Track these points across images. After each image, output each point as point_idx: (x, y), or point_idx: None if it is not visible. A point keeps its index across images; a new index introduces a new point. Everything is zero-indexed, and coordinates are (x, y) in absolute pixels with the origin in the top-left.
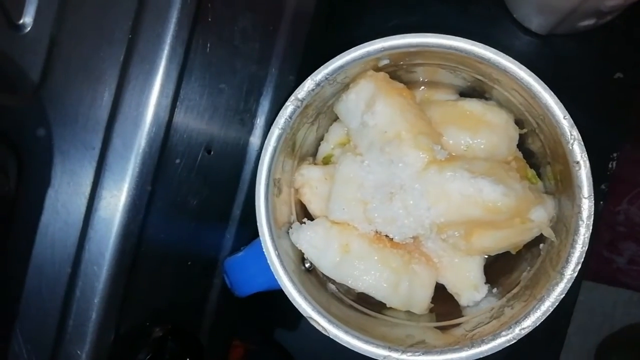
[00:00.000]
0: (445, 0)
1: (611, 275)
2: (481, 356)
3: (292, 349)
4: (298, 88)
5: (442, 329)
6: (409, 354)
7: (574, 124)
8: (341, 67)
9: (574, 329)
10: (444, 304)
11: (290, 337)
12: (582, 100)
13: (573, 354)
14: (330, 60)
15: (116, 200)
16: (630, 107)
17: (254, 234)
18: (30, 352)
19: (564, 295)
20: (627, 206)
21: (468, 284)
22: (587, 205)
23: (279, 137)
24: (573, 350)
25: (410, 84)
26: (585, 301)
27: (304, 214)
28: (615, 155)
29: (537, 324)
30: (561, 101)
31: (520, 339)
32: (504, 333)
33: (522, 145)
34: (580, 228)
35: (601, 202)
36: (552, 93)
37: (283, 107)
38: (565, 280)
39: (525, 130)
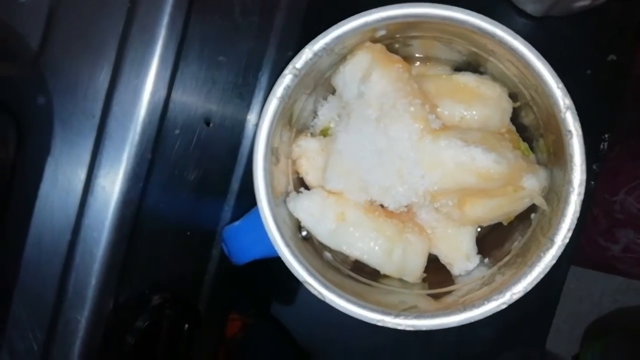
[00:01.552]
0: None
1: (606, 263)
2: (472, 320)
3: (287, 322)
4: (295, 57)
5: (435, 296)
6: (401, 317)
7: (567, 93)
8: (339, 36)
9: (562, 316)
10: (436, 274)
11: (286, 311)
12: (575, 81)
13: (560, 340)
14: (328, 30)
15: (116, 168)
16: (623, 89)
17: (252, 206)
18: (31, 317)
19: (554, 261)
20: (624, 196)
21: (460, 254)
22: (578, 173)
23: (277, 106)
24: (560, 336)
25: (406, 58)
26: (574, 288)
27: (301, 185)
28: (606, 136)
29: (528, 289)
30: None
31: (508, 323)
32: (495, 297)
33: (515, 119)
34: (572, 195)
35: (592, 182)
36: (546, 62)
37: (280, 76)
38: (556, 247)
39: (518, 104)
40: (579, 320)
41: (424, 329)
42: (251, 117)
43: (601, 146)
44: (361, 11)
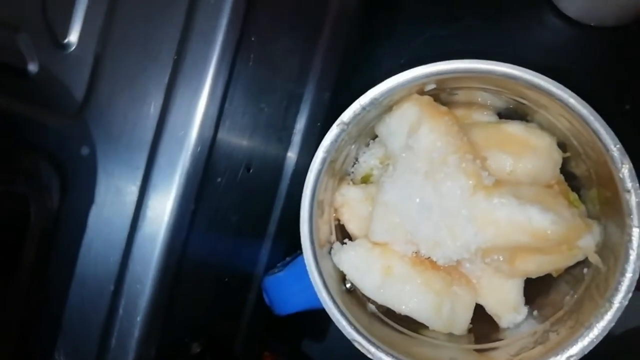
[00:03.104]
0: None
1: None
2: None
3: (318, 359)
4: (345, 112)
5: (482, 351)
6: None
7: (625, 152)
8: (388, 90)
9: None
10: (482, 325)
11: (316, 348)
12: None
13: None
14: (378, 85)
15: (160, 219)
16: None
17: (289, 249)
18: None
19: (613, 323)
20: None
21: (507, 305)
22: (637, 233)
23: (324, 160)
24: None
25: (449, 105)
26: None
27: (342, 233)
28: None
29: (586, 352)
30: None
31: None
32: (551, 359)
33: (563, 167)
34: (631, 256)
35: None
36: (602, 120)
37: (329, 130)
38: (614, 309)
39: (569, 154)
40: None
41: None
42: (289, 159)
43: None
44: (393, 52)
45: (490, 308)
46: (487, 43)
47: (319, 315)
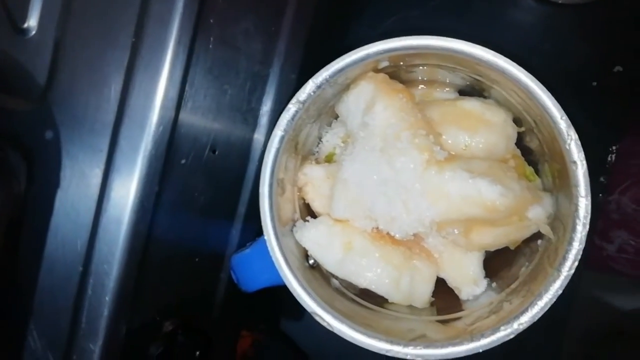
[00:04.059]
0: None
1: (601, 262)
2: (480, 350)
3: (298, 337)
4: (299, 90)
5: (443, 322)
6: (410, 347)
7: (571, 125)
8: (341, 69)
9: (575, 319)
10: (444, 297)
11: (296, 326)
12: (584, 88)
13: (576, 342)
14: (331, 63)
15: (124, 201)
16: (634, 99)
17: (260, 229)
18: (45, 347)
19: (561, 291)
20: (618, 196)
21: (468, 278)
22: (584, 204)
23: (282, 138)
24: (576, 339)
25: (409, 83)
26: (587, 290)
27: (307, 211)
28: (614, 148)
29: (535, 320)
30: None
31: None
32: (502, 328)
33: (520, 142)
34: (577, 226)
35: (600, 195)
36: (550, 94)
37: (285, 109)
38: (562, 278)
39: (523, 129)
40: (592, 322)
41: (432, 359)
42: (257, 141)
43: (609, 158)
44: (359, 37)
45: (451, 281)
46: (458, 23)
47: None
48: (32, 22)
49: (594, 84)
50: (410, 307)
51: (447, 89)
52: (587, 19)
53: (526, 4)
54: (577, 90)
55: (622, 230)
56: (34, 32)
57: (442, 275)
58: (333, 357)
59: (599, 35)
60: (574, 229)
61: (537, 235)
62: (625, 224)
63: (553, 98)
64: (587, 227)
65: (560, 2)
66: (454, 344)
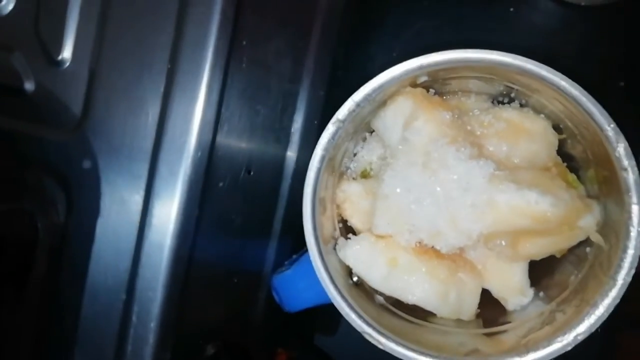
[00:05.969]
0: None
1: None
2: None
3: (331, 353)
4: (339, 109)
5: (490, 335)
6: None
7: (619, 131)
8: (380, 86)
9: None
10: (489, 309)
11: (329, 342)
12: (611, 89)
13: None
14: (370, 81)
15: (165, 226)
16: None
17: (295, 246)
18: None
19: (618, 300)
20: None
21: (513, 288)
22: (637, 211)
23: (322, 158)
24: None
25: (444, 94)
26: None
27: (347, 229)
28: None
29: (593, 330)
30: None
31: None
32: (559, 339)
33: (560, 149)
34: (632, 233)
35: None
36: (595, 101)
37: (325, 129)
38: (618, 286)
39: (564, 136)
40: None
41: None
42: (289, 158)
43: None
44: (385, 44)
45: (497, 292)
46: (478, 30)
47: (330, 310)
48: (66, 53)
49: (621, 84)
50: (456, 320)
51: (480, 99)
52: (610, 19)
53: (546, 7)
54: (604, 92)
55: None
56: (68, 63)
57: (486, 287)
58: None
59: (623, 35)
60: (628, 236)
61: (584, 242)
62: None
63: (599, 105)
64: None
65: (582, 4)
66: (510, 357)
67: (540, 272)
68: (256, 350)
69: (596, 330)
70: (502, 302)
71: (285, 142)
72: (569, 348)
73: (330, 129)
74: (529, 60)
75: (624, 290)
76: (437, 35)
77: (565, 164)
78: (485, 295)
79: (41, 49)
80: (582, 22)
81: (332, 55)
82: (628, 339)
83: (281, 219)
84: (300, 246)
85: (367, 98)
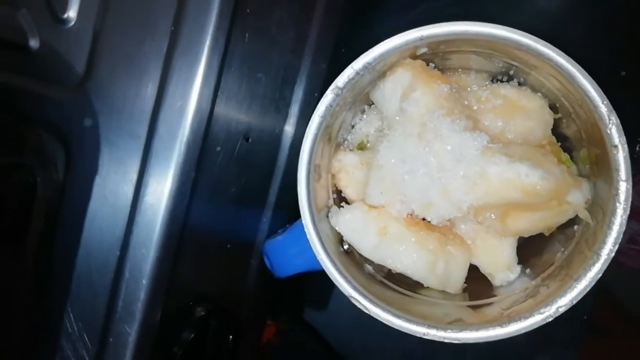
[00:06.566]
0: None
1: None
2: (517, 333)
3: (321, 327)
4: (339, 77)
5: (476, 307)
6: (448, 331)
7: (612, 109)
8: (381, 55)
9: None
10: (476, 283)
11: (319, 316)
12: (612, 78)
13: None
14: (370, 49)
15: (162, 187)
16: None
17: (289, 217)
18: (82, 329)
19: (600, 274)
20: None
21: (501, 264)
22: (624, 188)
23: (319, 124)
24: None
25: (444, 69)
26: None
27: (340, 199)
28: None
29: (575, 302)
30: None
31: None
32: (541, 310)
33: (555, 129)
34: (618, 210)
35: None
36: (591, 78)
37: (324, 96)
38: (602, 261)
39: (559, 116)
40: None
41: (469, 342)
42: (287, 130)
43: (637, 148)
44: (388, 25)
45: (484, 268)
46: (483, 13)
47: (320, 284)
48: (71, 12)
49: (623, 73)
50: (443, 292)
51: (480, 75)
52: (614, 6)
53: None
54: (605, 80)
55: (633, 221)
56: (73, 22)
57: (475, 262)
58: (356, 346)
59: (627, 23)
60: (614, 213)
61: (572, 221)
62: (635, 216)
63: (594, 82)
64: (628, 211)
65: None
66: (491, 327)
67: (529, 251)
68: (246, 320)
69: (566, 338)
70: (489, 278)
71: (284, 113)
72: (550, 319)
73: (328, 96)
74: (527, 34)
75: (606, 265)
76: (443, 13)
77: (559, 144)
78: (473, 271)
79: (47, 6)
80: (586, 7)
81: (335, 30)
82: (592, 345)
83: (277, 190)
84: (294, 219)
85: (366, 66)
